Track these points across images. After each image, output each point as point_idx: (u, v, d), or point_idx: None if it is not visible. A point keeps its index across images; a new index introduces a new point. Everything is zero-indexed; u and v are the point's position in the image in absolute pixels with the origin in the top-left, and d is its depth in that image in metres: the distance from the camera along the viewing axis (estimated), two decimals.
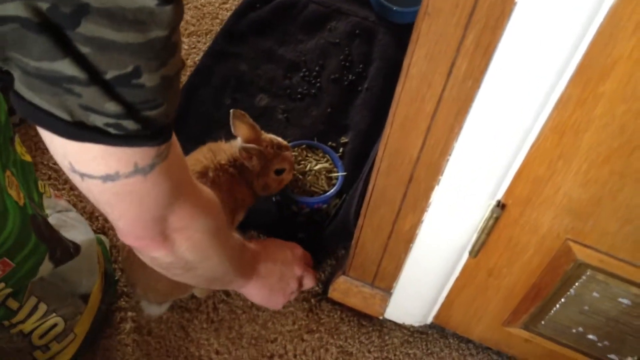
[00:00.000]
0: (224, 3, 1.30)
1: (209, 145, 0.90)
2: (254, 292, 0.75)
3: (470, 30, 0.48)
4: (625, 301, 0.66)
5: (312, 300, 0.96)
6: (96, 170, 0.42)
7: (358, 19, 1.26)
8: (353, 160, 1.06)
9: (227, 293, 0.96)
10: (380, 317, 0.93)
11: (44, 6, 0.34)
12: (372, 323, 0.95)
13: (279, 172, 0.91)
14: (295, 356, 0.92)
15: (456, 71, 0.52)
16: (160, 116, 0.41)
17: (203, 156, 0.87)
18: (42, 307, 0.77)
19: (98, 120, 0.39)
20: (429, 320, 0.91)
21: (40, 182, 0.83)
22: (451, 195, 0.65)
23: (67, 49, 0.36)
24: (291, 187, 0.97)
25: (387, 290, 0.88)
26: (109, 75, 0.37)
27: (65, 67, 0.36)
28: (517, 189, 0.60)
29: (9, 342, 0.77)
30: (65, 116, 0.39)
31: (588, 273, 0.65)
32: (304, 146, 1.02)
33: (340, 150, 1.09)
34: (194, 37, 1.25)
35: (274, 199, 1.01)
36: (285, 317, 0.94)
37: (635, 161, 0.51)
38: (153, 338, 0.91)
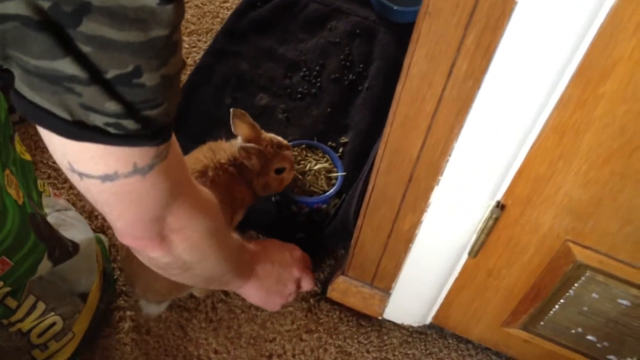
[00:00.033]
0: (224, 2, 1.30)
1: (209, 144, 0.90)
2: (252, 292, 0.75)
3: (470, 30, 0.48)
4: (624, 302, 0.66)
5: (311, 300, 0.96)
6: (95, 169, 0.42)
7: (358, 19, 1.26)
8: (353, 160, 1.06)
9: (226, 293, 0.96)
10: (379, 317, 0.93)
11: (45, 5, 0.34)
12: (371, 323, 0.95)
13: (279, 171, 0.91)
14: (293, 356, 0.92)
15: (457, 71, 0.52)
16: (161, 116, 0.41)
17: (203, 155, 0.87)
18: (41, 306, 0.77)
19: (98, 120, 0.39)
20: (428, 320, 0.91)
21: (39, 181, 0.83)
22: (451, 195, 0.65)
23: (68, 47, 0.36)
24: (291, 187, 0.96)
25: (386, 291, 0.88)
26: (110, 74, 0.37)
27: (66, 66, 0.36)
28: (517, 189, 0.60)
29: (8, 340, 0.77)
30: (65, 115, 0.38)
31: (587, 274, 0.65)
32: (303, 146, 1.02)
33: (340, 150, 1.09)
34: (195, 35, 1.25)
35: (273, 198, 1.01)
36: (284, 316, 0.94)
37: (636, 162, 0.51)
38: (152, 337, 0.91)
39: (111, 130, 0.39)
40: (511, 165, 0.58)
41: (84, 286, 0.83)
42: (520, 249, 0.67)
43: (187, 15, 1.27)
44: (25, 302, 0.75)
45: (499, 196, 0.62)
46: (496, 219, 0.64)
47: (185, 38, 1.24)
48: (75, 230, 0.85)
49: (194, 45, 1.23)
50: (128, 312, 0.93)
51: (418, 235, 0.73)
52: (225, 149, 0.89)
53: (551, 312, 0.73)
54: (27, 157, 0.78)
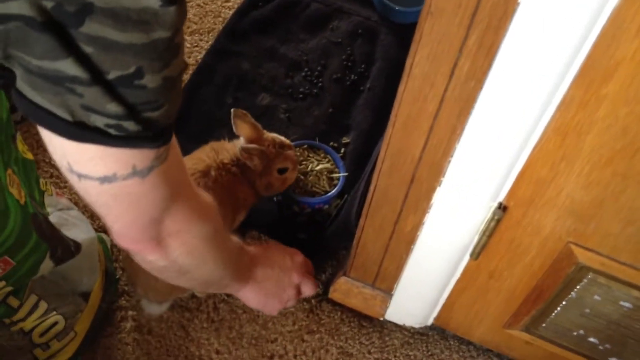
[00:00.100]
0: (226, 1, 1.30)
1: (212, 144, 0.90)
2: (250, 296, 0.74)
3: (473, 30, 0.48)
4: (626, 304, 0.66)
5: (313, 301, 0.96)
6: (94, 171, 0.42)
7: (360, 19, 1.26)
8: (355, 161, 1.06)
9: (227, 293, 0.96)
10: (381, 318, 0.93)
11: (48, 5, 0.34)
12: (373, 324, 0.95)
13: (282, 171, 0.91)
14: (295, 356, 0.91)
15: (459, 71, 0.52)
16: (162, 118, 0.41)
17: (206, 155, 0.87)
18: (43, 305, 0.77)
19: (99, 121, 0.39)
20: (430, 321, 0.91)
21: (41, 180, 0.83)
22: (453, 197, 0.65)
23: (70, 48, 0.36)
24: (292, 187, 0.96)
25: (388, 292, 0.88)
26: (111, 75, 0.37)
27: (68, 66, 0.36)
28: (519, 190, 0.60)
29: (10, 339, 0.77)
30: (66, 116, 0.38)
31: (590, 276, 0.64)
32: (305, 146, 1.02)
33: (342, 150, 1.08)
34: (196, 35, 1.25)
35: (275, 199, 1.01)
36: (285, 317, 0.94)
37: (638, 163, 0.51)
38: (153, 337, 0.91)
39: (112, 131, 0.39)
40: (513, 167, 0.58)
41: (85, 286, 0.84)
42: (522, 250, 0.67)
43: (189, 15, 1.27)
44: (27, 301, 0.75)
45: (501, 197, 0.62)
46: (498, 221, 0.64)
47: (187, 37, 1.24)
48: (78, 229, 0.85)
49: (195, 44, 1.24)
50: (130, 312, 0.93)
51: (420, 236, 0.73)
52: (227, 149, 0.89)
53: (553, 314, 0.73)
54: (29, 156, 0.78)
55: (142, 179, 0.43)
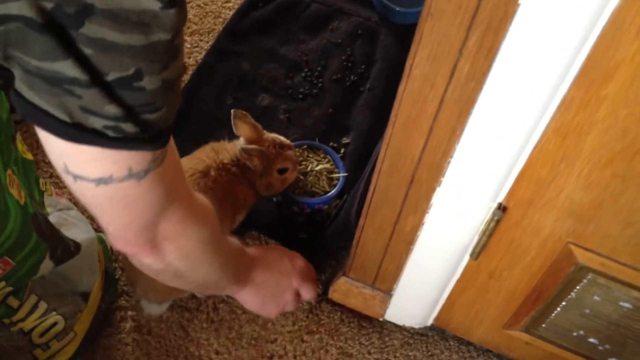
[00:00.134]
0: (226, 2, 1.30)
1: (212, 144, 0.90)
2: (247, 299, 0.74)
3: (473, 31, 0.48)
4: (626, 305, 0.66)
5: (312, 301, 0.96)
6: (90, 172, 0.42)
7: (360, 19, 1.26)
8: (354, 161, 1.06)
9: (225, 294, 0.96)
10: (381, 319, 0.93)
11: (48, 6, 0.34)
12: (373, 324, 0.95)
13: (282, 171, 0.91)
14: (295, 357, 0.91)
15: (459, 73, 0.52)
16: (160, 120, 0.41)
17: (206, 155, 0.87)
18: (43, 306, 0.77)
19: (97, 123, 0.39)
20: (430, 322, 0.91)
21: (41, 180, 0.83)
22: (453, 197, 0.65)
23: (70, 49, 0.36)
24: (292, 188, 0.96)
25: (388, 292, 0.88)
26: (110, 77, 0.37)
27: (67, 68, 0.36)
28: (519, 191, 0.60)
29: (9, 340, 0.77)
30: (64, 117, 0.38)
31: (589, 276, 0.64)
32: (305, 147, 1.02)
33: (342, 150, 1.09)
34: (197, 35, 1.25)
35: (275, 199, 1.01)
36: (285, 317, 0.94)
37: (638, 164, 0.51)
38: (153, 337, 0.91)
39: (110, 133, 0.39)
40: (513, 167, 0.58)
41: (85, 286, 0.84)
42: (522, 251, 0.67)
43: (189, 15, 1.27)
44: (27, 301, 0.75)
45: (500, 198, 0.62)
46: (498, 221, 0.64)
47: (187, 38, 1.24)
48: (77, 229, 0.85)
49: (195, 45, 1.24)
50: (129, 312, 0.93)
51: (419, 236, 0.73)
52: (228, 149, 0.89)
53: (553, 314, 0.73)
54: (29, 156, 0.78)
55: (138, 181, 0.43)
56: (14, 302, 0.74)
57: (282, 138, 0.92)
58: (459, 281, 0.78)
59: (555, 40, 0.46)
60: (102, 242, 0.93)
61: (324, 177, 1.00)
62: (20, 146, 0.76)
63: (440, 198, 0.66)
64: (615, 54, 0.44)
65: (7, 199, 0.65)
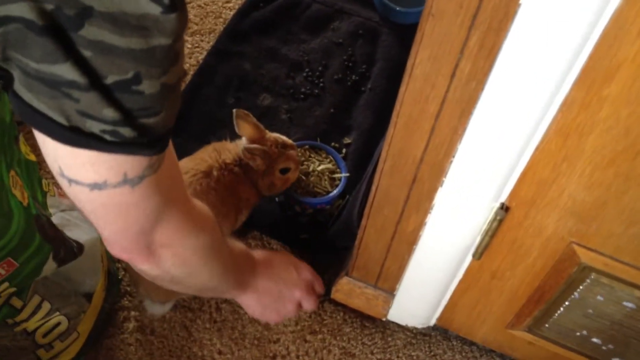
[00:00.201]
0: (227, 2, 1.30)
1: (214, 144, 0.90)
2: (248, 304, 0.73)
3: (474, 31, 0.48)
4: (629, 305, 0.66)
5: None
6: (85, 177, 0.41)
7: (361, 19, 1.26)
8: (356, 161, 1.06)
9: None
10: (383, 319, 0.93)
11: (48, 7, 0.34)
12: (375, 324, 0.95)
13: (284, 171, 0.91)
14: (297, 357, 0.92)
15: (460, 73, 0.52)
16: (158, 125, 0.41)
17: (208, 155, 0.87)
18: (46, 306, 0.77)
19: (95, 127, 0.39)
20: (432, 322, 0.91)
21: (44, 181, 0.83)
22: (455, 197, 0.65)
23: (69, 52, 0.36)
24: (294, 188, 0.97)
25: (390, 292, 0.88)
26: (109, 80, 0.37)
27: (66, 70, 0.36)
28: (521, 191, 0.60)
29: (13, 340, 0.77)
30: (62, 120, 0.38)
31: (592, 276, 0.64)
32: (307, 147, 1.02)
33: (343, 151, 1.09)
34: (197, 36, 1.25)
35: (277, 199, 1.01)
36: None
37: None
38: (156, 337, 0.92)
39: (107, 137, 0.39)
40: (515, 167, 0.58)
41: (88, 286, 0.84)
42: (525, 251, 0.67)
43: (190, 16, 1.27)
44: (30, 302, 0.75)
45: (503, 198, 0.62)
46: (500, 221, 0.64)
47: (188, 38, 1.24)
48: (80, 230, 0.85)
49: (196, 45, 1.24)
50: (132, 312, 0.93)
51: (422, 236, 0.73)
52: (230, 149, 0.89)
53: (556, 314, 0.73)
54: (32, 157, 0.78)
55: (132, 187, 0.43)
56: (17, 302, 0.74)
57: (284, 138, 0.93)
58: (461, 281, 0.78)
59: (557, 40, 0.46)
60: None
61: (326, 177, 1.00)
62: (23, 147, 0.76)
63: (442, 198, 0.66)
64: (616, 54, 0.44)
65: (11, 200, 0.65)
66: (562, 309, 0.72)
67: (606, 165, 0.52)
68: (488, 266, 0.72)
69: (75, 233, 0.83)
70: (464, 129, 0.56)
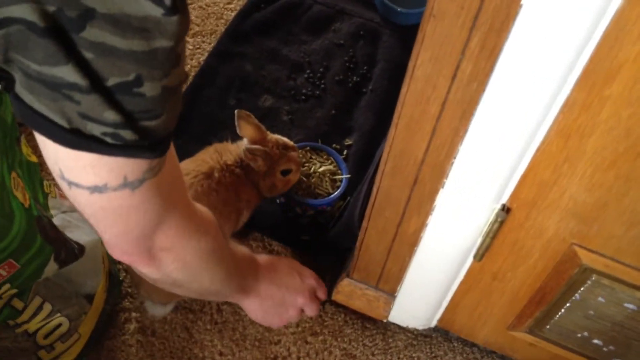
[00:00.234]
0: (228, 3, 1.31)
1: (215, 145, 0.90)
2: (251, 308, 0.73)
3: (475, 32, 0.48)
4: (630, 306, 0.66)
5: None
6: (85, 179, 0.41)
7: (362, 20, 1.26)
8: (357, 163, 1.06)
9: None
10: (384, 320, 0.93)
11: (50, 9, 0.34)
12: (376, 326, 0.95)
13: (285, 172, 0.91)
14: (298, 358, 0.92)
15: (461, 74, 0.52)
16: (159, 128, 0.41)
17: (209, 157, 0.87)
18: (47, 307, 0.77)
19: (96, 129, 0.39)
20: (433, 323, 0.91)
21: (45, 182, 0.83)
22: (456, 198, 0.65)
23: (71, 54, 0.36)
24: (295, 189, 0.97)
25: (391, 293, 0.88)
26: (110, 82, 0.37)
27: (67, 72, 0.36)
28: (522, 192, 0.60)
29: (14, 341, 0.77)
30: (63, 123, 0.38)
31: (593, 278, 0.64)
32: (308, 148, 1.02)
33: (345, 152, 1.09)
34: (199, 37, 1.25)
35: (278, 200, 1.01)
36: None
37: None
38: (157, 339, 0.92)
39: (108, 140, 0.39)
40: (516, 169, 0.58)
41: (89, 288, 0.84)
42: (526, 252, 0.67)
43: (191, 17, 1.27)
44: (31, 303, 0.75)
45: (504, 199, 0.62)
46: (501, 222, 0.63)
47: (189, 39, 1.24)
48: (81, 231, 0.85)
49: (198, 46, 1.24)
50: (133, 314, 0.93)
51: (423, 238, 0.73)
52: (231, 151, 0.89)
53: (557, 315, 0.73)
54: (34, 158, 0.78)
55: (132, 191, 0.43)
56: (18, 304, 0.74)
57: (285, 139, 0.93)
58: (462, 282, 0.78)
59: (558, 41, 0.46)
60: None
61: (327, 179, 1.00)
62: (25, 148, 0.76)
63: (444, 199, 0.66)
64: (618, 55, 0.44)
65: (12, 201, 0.65)
66: (563, 310, 0.71)
67: (607, 166, 0.52)
68: (489, 268, 0.72)
69: (77, 234, 0.83)
70: (465, 130, 0.56)
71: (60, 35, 0.35)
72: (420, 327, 0.94)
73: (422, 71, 0.53)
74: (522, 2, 0.44)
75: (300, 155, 1.00)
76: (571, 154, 0.53)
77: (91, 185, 0.42)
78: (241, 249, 0.69)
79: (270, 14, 1.26)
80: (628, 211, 0.56)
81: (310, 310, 0.78)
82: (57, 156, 0.41)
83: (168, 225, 0.49)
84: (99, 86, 0.37)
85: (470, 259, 0.73)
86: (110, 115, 0.38)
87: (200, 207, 0.57)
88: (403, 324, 0.94)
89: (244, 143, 0.90)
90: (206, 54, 1.21)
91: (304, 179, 0.98)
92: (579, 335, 0.75)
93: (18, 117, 0.40)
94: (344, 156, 1.07)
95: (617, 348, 0.74)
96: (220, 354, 0.91)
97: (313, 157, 1.02)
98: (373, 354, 0.93)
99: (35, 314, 0.76)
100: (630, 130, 0.49)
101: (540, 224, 0.62)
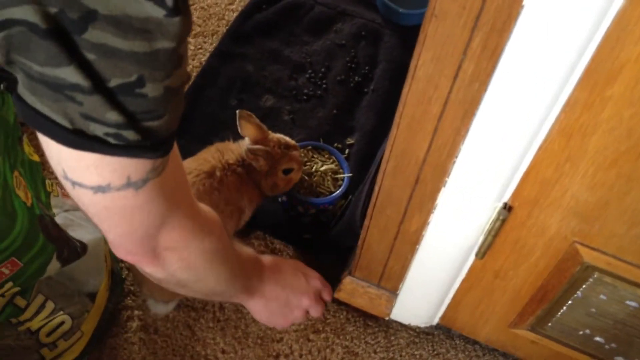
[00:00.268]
0: (230, 4, 1.31)
1: (217, 145, 0.90)
2: (256, 309, 0.73)
3: (477, 32, 0.48)
4: (632, 304, 0.66)
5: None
6: (89, 179, 0.41)
7: (364, 21, 1.26)
8: (359, 162, 1.06)
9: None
10: (386, 318, 0.93)
11: (52, 10, 0.34)
12: (378, 324, 0.95)
13: (287, 171, 0.91)
14: (301, 356, 0.92)
15: (463, 74, 0.52)
16: (161, 128, 0.41)
17: (211, 156, 0.87)
18: (50, 305, 0.78)
19: (98, 130, 0.39)
20: (435, 321, 0.91)
21: (47, 181, 0.83)
22: (457, 197, 0.65)
23: (73, 55, 0.36)
24: (297, 188, 0.97)
25: (393, 291, 0.88)
26: (112, 83, 0.37)
27: (70, 74, 0.36)
28: (524, 191, 0.60)
29: (17, 339, 0.77)
30: (65, 123, 0.38)
31: (595, 276, 0.64)
32: (309, 147, 1.03)
33: (346, 151, 1.09)
34: (200, 37, 1.25)
35: (280, 199, 1.01)
36: None
37: None
38: (159, 337, 0.92)
39: (111, 140, 0.39)
40: (518, 168, 0.58)
41: (92, 286, 0.84)
42: (528, 250, 0.67)
43: (193, 18, 1.28)
44: (34, 301, 0.76)
45: (506, 198, 0.62)
46: (503, 221, 0.64)
47: (191, 40, 1.24)
48: (83, 230, 0.85)
49: (199, 47, 1.24)
50: (136, 312, 0.93)
51: (425, 236, 0.73)
52: (233, 150, 0.89)
53: (559, 313, 0.73)
54: (36, 157, 0.79)
55: (136, 190, 0.43)
56: (21, 302, 0.74)
57: (287, 138, 0.93)
58: (464, 280, 0.78)
59: (560, 41, 0.46)
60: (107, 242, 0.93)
61: (328, 178, 1.00)
62: (27, 148, 0.76)
63: (445, 198, 0.66)
64: (619, 55, 0.44)
65: (14, 200, 0.65)
66: (565, 308, 0.72)
67: (609, 165, 0.53)
68: (491, 266, 0.72)
69: (79, 233, 0.83)
70: (467, 130, 0.57)
71: (62, 36, 0.35)
72: (422, 325, 0.94)
73: (424, 71, 0.53)
74: (523, 2, 0.45)
75: (302, 155, 1.00)
76: (573, 153, 0.53)
77: (94, 185, 0.42)
78: (246, 250, 0.69)
79: (272, 14, 1.26)
80: (630, 210, 0.56)
81: (315, 312, 0.78)
82: (60, 156, 0.41)
83: (172, 225, 0.49)
84: (101, 87, 0.37)
85: (472, 257, 0.73)
86: (113, 116, 0.38)
87: (205, 207, 0.57)
88: (405, 321, 0.94)
89: (246, 143, 0.90)
90: (208, 55, 1.21)
91: (306, 177, 0.98)
92: (581, 332, 0.75)
93: (21, 118, 0.40)
94: (345, 155, 1.07)
95: (619, 345, 0.74)
96: (223, 351, 0.91)
97: (315, 156, 1.02)
98: (375, 352, 0.93)
99: (37, 312, 0.76)
100: (632, 130, 0.49)
101: (542, 222, 0.62)
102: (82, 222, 0.88)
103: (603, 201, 0.56)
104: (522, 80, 0.50)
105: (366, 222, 0.77)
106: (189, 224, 0.52)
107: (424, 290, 0.84)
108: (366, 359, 0.92)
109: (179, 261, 0.53)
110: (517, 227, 0.65)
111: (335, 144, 1.09)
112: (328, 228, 1.00)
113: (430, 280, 0.81)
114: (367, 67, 1.20)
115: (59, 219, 0.81)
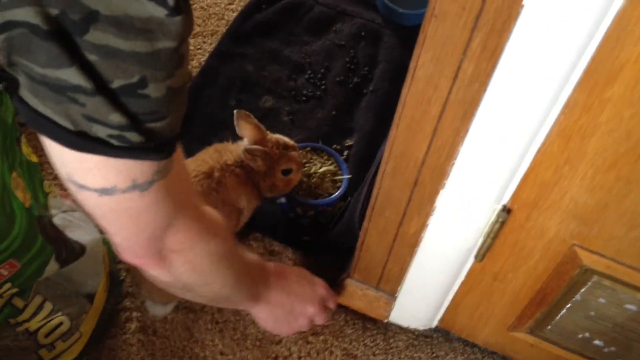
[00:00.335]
0: (230, 4, 1.31)
1: (216, 145, 0.90)
2: (260, 316, 0.73)
3: (476, 33, 0.48)
4: (631, 307, 0.66)
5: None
6: (93, 182, 0.41)
7: (364, 21, 1.26)
8: (358, 163, 1.06)
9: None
10: (385, 321, 0.93)
11: (53, 12, 0.34)
12: (377, 326, 0.95)
13: (285, 172, 0.91)
14: (299, 358, 0.92)
15: (462, 74, 0.52)
16: (164, 129, 0.41)
17: (209, 156, 0.87)
18: (48, 306, 0.78)
19: (101, 131, 0.39)
20: (434, 323, 0.91)
21: (45, 182, 0.83)
22: (456, 199, 0.65)
23: (74, 56, 0.35)
24: (296, 190, 0.97)
25: (392, 294, 0.88)
26: (115, 84, 0.37)
27: (71, 75, 0.36)
28: (523, 193, 0.60)
29: (15, 340, 0.77)
30: (68, 125, 0.38)
31: (594, 279, 0.64)
32: (308, 149, 1.02)
33: (345, 153, 1.09)
34: (200, 37, 1.25)
35: (278, 201, 1.01)
36: None
37: None
38: (158, 338, 0.92)
39: (114, 142, 0.39)
40: (517, 170, 0.58)
41: (90, 287, 0.84)
42: (526, 253, 0.67)
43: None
44: (32, 302, 0.75)
45: (505, 200, 0.62)
46: (502, 223, 0.63)
47: (190, 40, 1.24)
48: (82, 231, 0.85)
49: (199, 47, 1.24)
50: (134, 313, 0.93)
51: (423, 238, 0.73)
52: (231, 150, 0.89)
53: (558, 316, 0.73)
54: (34, 158, 0.78)
55: (141, 192, 0.43)
56: (19, 302, 0.74)
57: (285, 139, 0.93)
58: (463, 283, 0.78)
59: (559, 41, 0.46)
60: (106, 243, 0.93)
61: (327, 179, 1.00)
62: (25, 149, 0.76)
63: (444, 200, 0.66)
64: (619, 55, 0.44)
65: (13, 201, 0.65)
66: (564, 311, 0.71)
67: (608, 168, 0.52)
68: (490, 268, 0.72)
69: (77, 234, 0.83)
70: (466, 131, 0.56)
71: (63, 38, 0.35)
72: (421, 328, 0.94)
73: (424, 72, 0.53)
74: (523, 3, 0.44)
75: (301, 156, 1.00)
76: (572, 155, 0.53)
77: (99, 188, 0.42)
78: (251, 256, 0.69)
79: (272, 14, 1.26)
80: (629, 213, 0.56)
81: (320, 320, 0.78)
82: (63, 158, 0.41)
83: (177, 227, 0.49)
84: (104, 88, 0.37)
85: (471, 260, 0.73)
86: (116, 118, 0.38)
87: (210, 210, 0.56)
88: (404, 324, 0.94)
89: (244, 143, 0.90)
90: (207, 55, 1.21)
91: (305, 179, 0.98)
92: (580, 336, 0.75)
93: (23, 120, 0.40)
94: (344, 157, 1.07)
95: (618, 349, 0.74)
96: (221, 353, 0.91)
97: (314, 157, 1.02)
98: (374, 354, 0.93)
99: (35, 313, 0.76)
100: (631, 131, 0.49)
101: (541, 225, 0.62)
102: (81, 223, 0.88)
103: (602, 203, 0.56)
104: (521, 81, 0.50)
105: (365, 224, 0.77)
106: (195, 225, 0.52)
107: (423, 292, 0.84)
108: None
109: (185, 264, 0.53)
110: (516, 230, 0.64)
111: (334, 146, 1.09)
112: (327, 230, 0.99)
113: (429, 283, 0.81)
114: (366, 68, 1.20)
115: (57, 220, 0.81)
